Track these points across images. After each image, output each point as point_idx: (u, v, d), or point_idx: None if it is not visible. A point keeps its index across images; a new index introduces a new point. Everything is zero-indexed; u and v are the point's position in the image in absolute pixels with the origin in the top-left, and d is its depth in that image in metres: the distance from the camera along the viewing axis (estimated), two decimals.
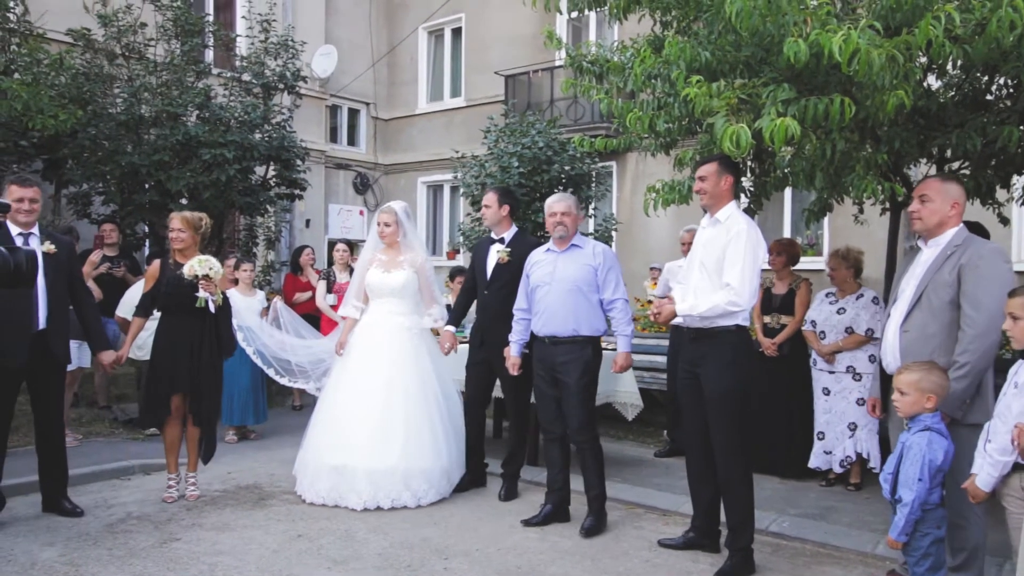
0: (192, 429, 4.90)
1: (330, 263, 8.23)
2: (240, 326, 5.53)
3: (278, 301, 6.19)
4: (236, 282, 6.64)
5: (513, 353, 4.79)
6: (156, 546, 4.12)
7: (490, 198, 5.19)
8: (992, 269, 3.22)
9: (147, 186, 8.22)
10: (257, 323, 5.73)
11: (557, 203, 4.62)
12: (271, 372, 5.45)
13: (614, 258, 4.66)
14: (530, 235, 5.47)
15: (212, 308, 4.76)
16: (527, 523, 4.59)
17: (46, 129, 6.93)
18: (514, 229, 5.22)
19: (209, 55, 10.03)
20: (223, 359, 4.97)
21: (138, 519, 4.55)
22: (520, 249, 5.04)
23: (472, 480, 5.25)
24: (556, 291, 4.52)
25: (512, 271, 5.01)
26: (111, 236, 7.18)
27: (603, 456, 4.59)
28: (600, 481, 4.53)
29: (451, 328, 5.25)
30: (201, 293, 4.69)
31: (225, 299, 4.90)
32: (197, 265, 4.66)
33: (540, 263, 4.68)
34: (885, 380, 3.66)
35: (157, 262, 4.97)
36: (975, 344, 3.16)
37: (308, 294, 7.98)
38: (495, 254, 5.12)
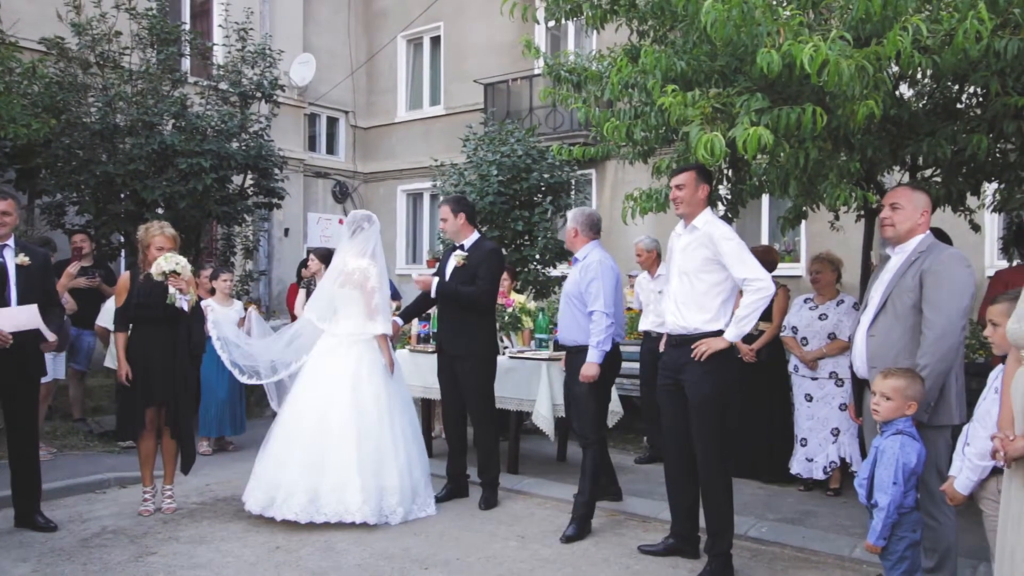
0: (169, 441, 4.86)
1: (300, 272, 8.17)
2: (219, 336, 5.47)
3: (252, 311, 6.14)
4: (213, 292, 6.58)
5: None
6: (132, 560, 4.07)
7: (445, 211, 5.18)
8: (951, 274, 3.29)
9: (122, 196, 8.13)
10: (234, 333, 5.67)
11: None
12: (236, 372, 5.36)
13: (599, 269, 4.57)
14: (490, 240, 5.50)
15: (186, 307, 4.70)
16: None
17: (19, 138, 6.84)
18: (475, 236, 5.22)
19: (185, 64, 9.96)
20: (197, 365, 4.91)
21: (113, 533, 4.49)
22: (477, 254, 5.08)
23: (454, 490, 5.24)
24: (562, 302, 4.82)
25: (469, 275, 5.04)
26: (83, 247, 7.09)
27: (600, 466, 4.66)
28: (591, 488, 4.57)
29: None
30: (171, 290, 4.64)
31: (196, 302, 4.85)
32: (164, 262, 4.59)
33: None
34: (857, 384, 3.71)
35: (126, 274, 4.89)
36: (935, 347, 3.23)
37: None
38: (454, 260, 5.15)
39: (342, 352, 4.87)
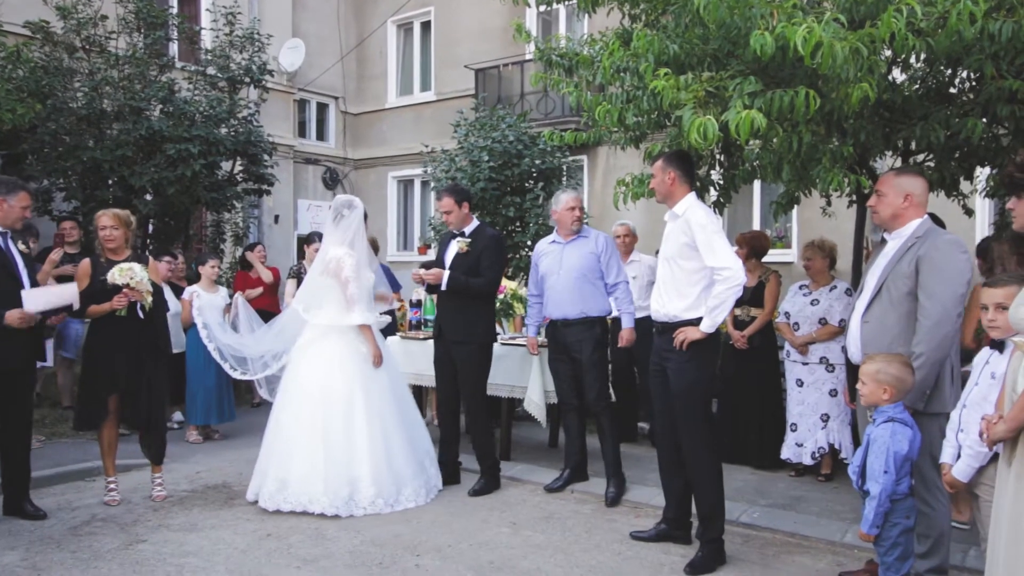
0: (143, 431, 4.79)
1: (300, 258, 8.10)
2: (204, 323, 5.42)
3: (240, 297, 6.06)
4: (199, 277, 6.52)
5: (530, 334, 5.39)
6: (121, 548, 4.04)
7: (448, 203, 5.10)
8: (947, 260, 3.24)
9: (110, 182, 8.06)
10: (219, 320, 5.60)
11: (568, 198, 5.09)
12: (226, 367, 5.31)
13: (614, 245, 5.15)
14: (491, 227, 5.48)
15: (140, 314, 4.62)
16: (550, 488, 5.10)
17: (4, 124, 6.77)
18: (475, 223, 5.21)
19: (173, 48, 9.86)
20: (162, 359, 4.83)
21: (103, 521, 4.46)
22: (480, 240, 5.06)
23: (446, 477, 5.22)
24: (564, 279, 5.00)
25: (470, 262, 5.03)
26: (72, 234, 7.01)
27: (618, 423, 5.13)
28: (614, 448, 4.96)
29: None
30: (119, 303, 4.53)
31: (159, 299, 4.73)
32: (118, 274, 4.49)
33: (547, 253, 5.15)
34: (852, 370, 3.70)
35: (87, 260, 4.76)
36: (930, 335, 3.18)
37: (259, 290, 7.86)
38: (455, 246, 5.12)
39: (319, 343, 4.85)
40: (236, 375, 5.31)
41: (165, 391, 4.99)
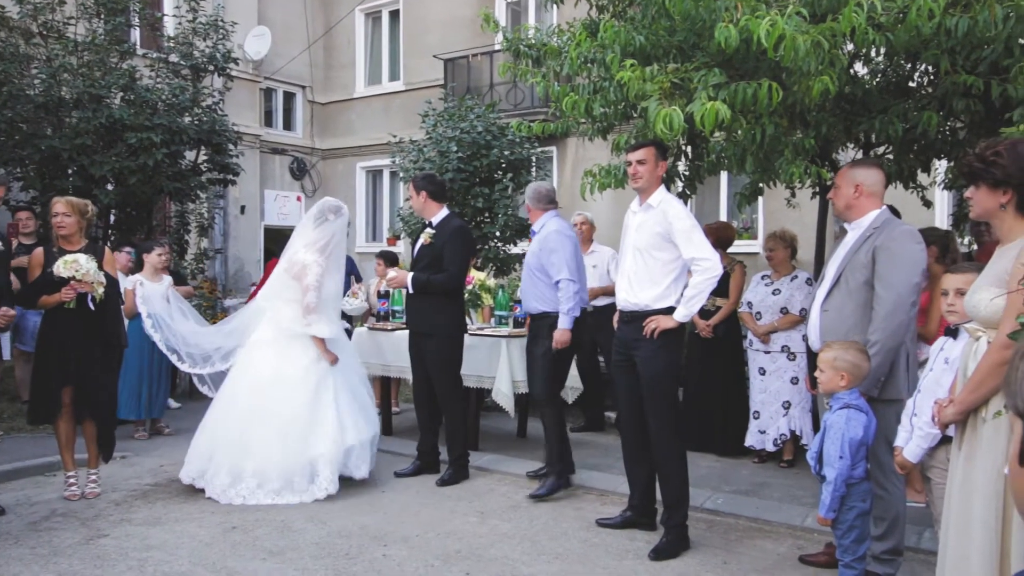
0: (90, 425, 4.70)
1: (267, 249, 7.98)
2: (150, 313, 5.32)
3: (170, 288, 5.95)
4: (142, 265, 6.35)
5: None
6: (82, 543, 3.98)
7: (410, 188, 5.23)
8: (902, 249, 3.31)
9: (69, 171, 7.88)
10: (164, 309, 5.49)
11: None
12: (174, 358, 5.21)
13: (557, 240, 4.73)
14: (458, 218, 5.47)
15: (91, 306, 4.51)
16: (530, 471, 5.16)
17: None
18: (443, 212, 5.18)
19: (134, 35, 9.66)
20: (115, 352, 4.75)
21: (63, 516, 4.39)
22: (444, 232, 5.07)
23: (422, 467, 5.23)
24: (523, 272, 4.99)
25: (433, 252, 5.03)
26: (28, 224, 6.84)
27: (559, 427, 4.84)
28: (556, 442, 4.81)
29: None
30: (66, 296, 4.43)
31: (112, 291, 4.63)
32: (63, 267, 4.36)
33: None
34: (813, 358, 3.77)
35: (40, 250, 4.65)
36: (885, 323, 3.26)
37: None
38: (423, 237, 5.16)
39: (275, 340, 4.83)
40: (184, 368, 5.23)
41: (114, 384, 4.88)
